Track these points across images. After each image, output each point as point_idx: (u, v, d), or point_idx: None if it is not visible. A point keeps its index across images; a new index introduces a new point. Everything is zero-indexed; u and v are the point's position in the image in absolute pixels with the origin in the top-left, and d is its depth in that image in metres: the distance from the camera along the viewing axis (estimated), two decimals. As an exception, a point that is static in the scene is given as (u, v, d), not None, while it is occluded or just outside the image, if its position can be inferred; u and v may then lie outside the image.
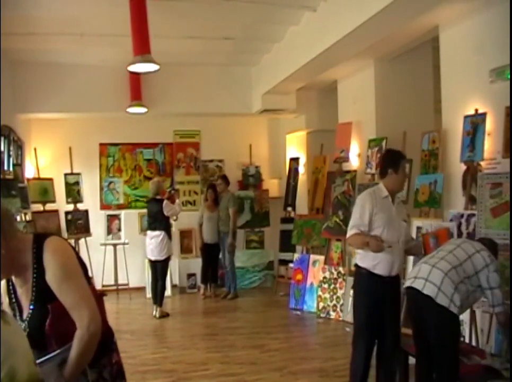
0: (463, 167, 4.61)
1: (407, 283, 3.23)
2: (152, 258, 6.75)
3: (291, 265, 7.51)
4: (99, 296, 1.95)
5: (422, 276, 3.11)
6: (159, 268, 6.72)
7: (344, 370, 4.54)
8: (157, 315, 6.56)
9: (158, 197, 6.82)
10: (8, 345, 1.21)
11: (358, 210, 3.52)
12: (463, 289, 3.02)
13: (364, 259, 3.51)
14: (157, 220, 6.73)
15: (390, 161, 3.65)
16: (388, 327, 3.52)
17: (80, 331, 1.73)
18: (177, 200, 7.18)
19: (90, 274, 7.22)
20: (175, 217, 7.22)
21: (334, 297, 6.34)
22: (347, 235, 3.57)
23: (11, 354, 1.21)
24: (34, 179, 7.61)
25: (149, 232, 6.83)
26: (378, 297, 3.45)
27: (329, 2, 5.08)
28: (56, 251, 1.79)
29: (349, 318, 5.48)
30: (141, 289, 7.86)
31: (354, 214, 3.56)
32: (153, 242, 6.69)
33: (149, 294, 7.37)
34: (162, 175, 8.74)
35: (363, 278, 3.52)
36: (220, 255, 7.91)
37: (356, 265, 3.64)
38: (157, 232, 6.68)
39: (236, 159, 8.96)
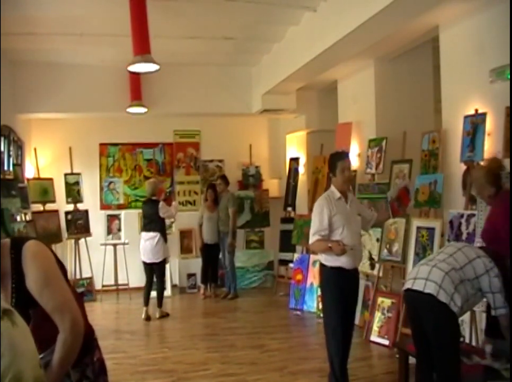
0: (463, 167, 4.61)
1: (407, 285, 3.22)
2: (148, 261, 6.60)
3: (291, 265, 7.51)
4: (79, 296, 1.95)
5: (422, 276, 3.10)
6: (156, 271, 6.62)
7: (344, 370, 4.54)
8: (157, 316, 6.51)
9: (154, 198, 6.71)
10: (16, 348, 1.18)
11: (317, 216, 3.74)
12: (462, 291, 3.01)
13: (329, 258, 3.73)
14: (152, 221, 6.61)
15: (329, 165, 3.94)
16: (349, 315, 3.81)
17: (62, 334, 1.72)
18: (173, 202, 7.10)
19: (90, 274, 7.21)
20: (172, 219, 7.17)
21: (334, 297, 6.33)
22: (310, 242, 3.79)
23: (19, 357, 1.17)
24: (34, 179, 7.61)
25: (143, 234, 6.69)
26: (344, 288, 3.73)
27: (329, 2, 5.08)
28: (35, 257, 1.75)
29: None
30: (141, 289, 7.81)
31: (314, 221, 3.77)
32: (148, 244, 6.56)
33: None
34: (162, 175, 8.76)
35: (330, 273, 3.74)
36: (220, 256, 7.92)
37: (321, 264, 3.82)
38: (152, 234, 6.56)
39: (236, 159, 8.96)
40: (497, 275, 3.08)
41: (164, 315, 6.59)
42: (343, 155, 3.99)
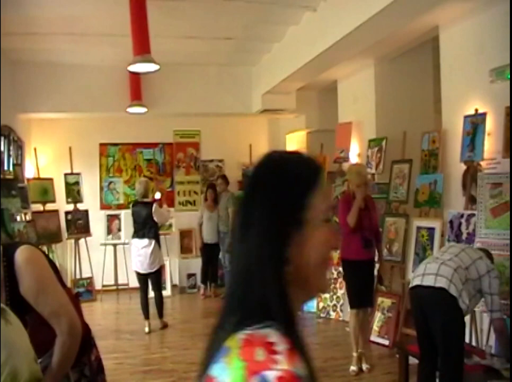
0: (463, 167, 4.61)
1: (415, 282, 3.22)
2: (142, 271, 6.05)
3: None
4: (74, 296, 1.95)
5: (432, 272, 3.12)
6: (153, 281, 6.16)
7: (344, 370, 4.56)
8: (159, 326, 6.19)
9: (146, 200, 6.22)
10: (10, 345, 1.18)
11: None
12: (467, 290, 3.04)
13: None
14: (145, 226, 6.00)
15: None
16: None
17: (60, 338, 1.72)
18: (164, 205, 6.72)
19: (90, 274, 7.10)
20: (168, 222, 6.93)
21: (334, 297, 6.35)
22: None
23: (14, 354, 1.19)
24: (34, 179, 7.61)
25: (135, 241, 6.06)
26: None
27: (329, 2, 5.08)
28: (28, 263, 1.73)
29: (349, 317, 5.47)
30: (141, 289, 7.85)
31: None
32: (142, 253, 5.95)
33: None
34: (162, 175, 8.76)
35: None
36: (220, 255, 7.92)
37: None
38: (145, 241, 5.96)
39: (236, 159, 8.95)
40: (497, 276, 3.13)
41: (165, 326, 6.27)
42: None
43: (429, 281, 3.10)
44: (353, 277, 4.55)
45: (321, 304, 6.47)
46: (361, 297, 4.57)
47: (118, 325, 6.57)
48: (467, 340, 4.13)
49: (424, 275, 3.16)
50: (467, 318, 4.02)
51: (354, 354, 4.60)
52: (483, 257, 3.20)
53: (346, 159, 6.70)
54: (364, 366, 4.58)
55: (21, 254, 1.73)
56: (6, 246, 1.78)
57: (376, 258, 4.76)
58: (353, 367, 4.55)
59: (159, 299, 6.21)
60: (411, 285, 3.30)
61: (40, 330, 1.70)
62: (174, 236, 8.48)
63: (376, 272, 4.84)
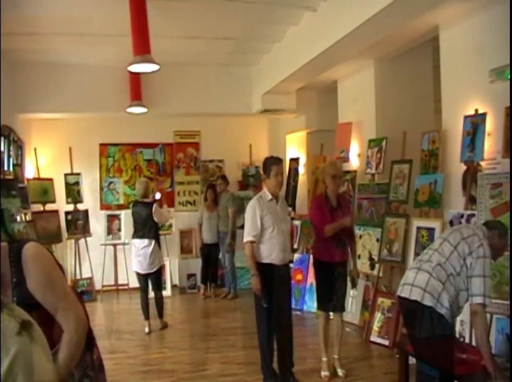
0: (463, 167, 4.61)
1: (397, 292, 3.23)
2: (142, 272, 6.04)
3: (291, 265, 7.50)
4: (79, 295, 1.96)
5: (409, 282, 3.11)
6: (153, 281, 6.14)
7: (345, 370, 4.55)
8: (160, 326, 6.16)
9: (146, 200, 6.18)
10: (32, 368, 1.11)
11: (250, 216, 4.09)
12: (451, 289, 2.97)
13: (261, 256, 4.09)
14: (145, 226, 5.99)
15: (263, 168, 4.26)
16: (284, 306, 4.19)
17: (68, 334, 1.72)
18: (164, 206, 6.72)
19: (90, 274, 7.11)
20: (169, 222, 6.91)
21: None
22: (244, 240, 4.13)
23: (37, 377, 1.11)
24: (34, 179, 7.61)
25: (135, 241, 6.05)
26: (275, 283, 4.06)
27: (329, 2, 5.08)
28: (36, 259, 1.75)
29: (349, 318, 5.49)
30: (141, 289, 7.85)
31: (247, 221, 4.13)
32: (142, 253, 5.95)
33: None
34: (162, 176, 8.76)
35: (261, 269, 4.04)
36: (220, 256, 7.91)
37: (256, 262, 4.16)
38: (145, 241, 5.95)
39: (236, 159, 8.97)
40: (481, 256, 2.92)
41: (166, 326, 6.25)
42: (278, 161, 4.26)
43: (405, 292, 3.09)
44: (324, 278, 4.44)
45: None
46: (331, 300, 4.45)
47: (118, 325, 6.57)
48: (467, 340, 4.13)
49: (404, 285, 3.14)
50: (467, 318, 4.04)
51: (324, 359, 4.48)
52: (469, 237, 3.00)
53: (346, 159, 6.70)
54: (341, 372, 4.45)
55: (29, 250, 1.75)
56: (13, 243, 1.80)
57: (350, 259, 4.59)
58: (324, 373, 4.42)
59: (159, 299, 6.21)
60: (396, 294, 3.29)
61: (46, 326, 1.71)
62: (174, 236, 8.49)
63: (351, 274, 4.66)
